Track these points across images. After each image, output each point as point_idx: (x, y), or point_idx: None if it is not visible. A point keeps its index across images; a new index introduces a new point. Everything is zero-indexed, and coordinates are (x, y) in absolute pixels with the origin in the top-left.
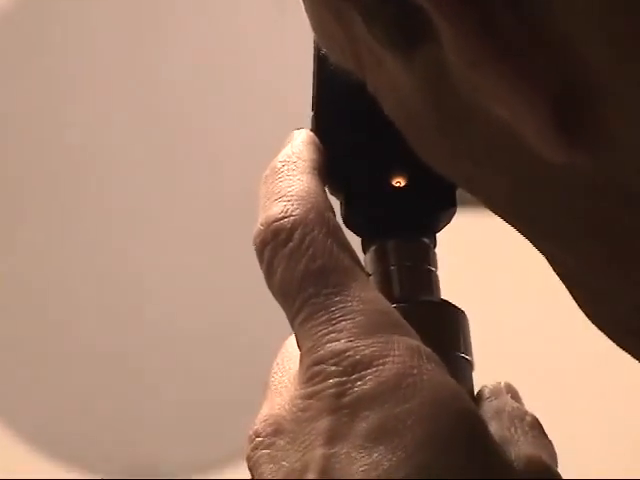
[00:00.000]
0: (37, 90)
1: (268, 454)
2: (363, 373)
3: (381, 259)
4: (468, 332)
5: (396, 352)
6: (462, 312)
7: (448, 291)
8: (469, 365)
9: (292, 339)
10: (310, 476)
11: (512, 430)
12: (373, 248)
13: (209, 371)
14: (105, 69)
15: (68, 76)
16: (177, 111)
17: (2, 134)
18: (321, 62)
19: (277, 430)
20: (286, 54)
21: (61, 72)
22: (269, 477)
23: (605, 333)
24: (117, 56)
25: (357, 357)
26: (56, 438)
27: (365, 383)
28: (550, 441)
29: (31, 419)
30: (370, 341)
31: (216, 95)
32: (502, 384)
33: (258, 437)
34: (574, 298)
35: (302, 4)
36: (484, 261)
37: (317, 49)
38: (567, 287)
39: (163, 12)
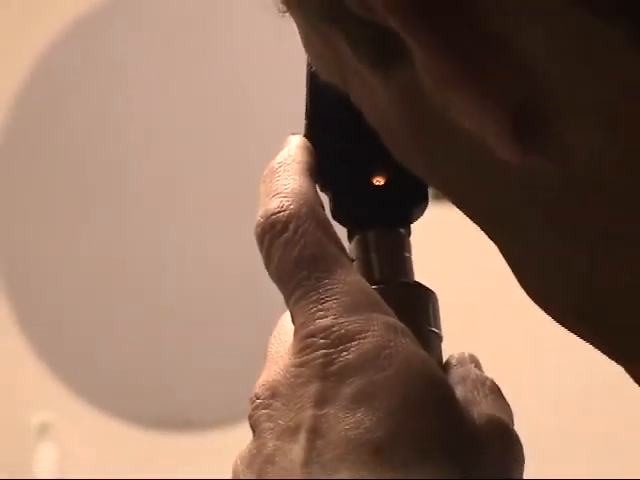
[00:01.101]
0: (102, 101)
1: (267, 414)
2: (347, 345)
3: (363, 247)
4: (437, 309)
5: (375, 328)
6: (432, 292)
7: (421, 274)
8: (438, 338)
9: (287, 315)
10: (302, 433)
11: (475, 393)
12: (357, 238)
13: (237, 333)
14: (151, 84)
15: (124, 88)
16: (209, 126)
17: (71, 148)
18: (312, 78)
19: (274, 393)
20: (283, 71)
21: (118, 85)
22: (268, 433)
23: (555, 318)
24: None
25: (342, 331)
26: (107, 394)
27: (349, 354)
28: (507, 403)
29: (87, 376)
30: (353, 318)
31: (230, 105)
32: (466, 354)
33: (258, 399)
34: (523, 286)
35: (296, 30)
36: (452, 248)
37: (309, 67)
38: (516, 276)
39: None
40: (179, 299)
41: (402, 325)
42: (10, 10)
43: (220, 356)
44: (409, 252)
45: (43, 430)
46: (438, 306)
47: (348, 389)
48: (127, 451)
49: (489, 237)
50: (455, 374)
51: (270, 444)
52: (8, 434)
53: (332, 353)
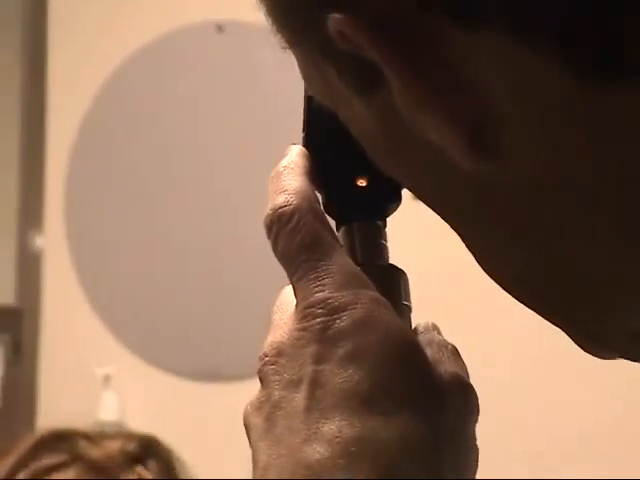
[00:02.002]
0: (158, 118)
1: (274, 369)
2: (341, 314)
3: (349, 236)
4: (408, 286)
5: (363, 301)
6: (404, 273)
7: (395, 258)
8: (409, 309)
9: (287, 289)
10: (304, 385)
11: (439, 354)
12: (343, 228)
13: (260, 302)
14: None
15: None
16: (236, 139)
17: (130, 153)
18: (309, 100)
19: (280, 352)
20: (285, 95)
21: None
22: (275, 384)
23: (505, 290)
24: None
25: (336, 303)
26: (156, 351)
27: (342, 321)
28: (464, 363)
29: (141, 336)
30: (345, 292)
31: (252, 126)
32: (430, 323)
33: (266, 357)
34: (480, 266)
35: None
36: (420, 237)
37: (306, 91)
38: (475, 258)
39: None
40: (216, 272)
41: (383, 299)
42: (85, 37)
43: (246, 320)
44: (385, 240)
45: (106, 381)
46: (408, 284)
47: (341, 350)
48: (171, 397)
49: (451, 227)
50: (423, 339)
51: (277, 393)
52: (78, 385)
53: (328, 321)
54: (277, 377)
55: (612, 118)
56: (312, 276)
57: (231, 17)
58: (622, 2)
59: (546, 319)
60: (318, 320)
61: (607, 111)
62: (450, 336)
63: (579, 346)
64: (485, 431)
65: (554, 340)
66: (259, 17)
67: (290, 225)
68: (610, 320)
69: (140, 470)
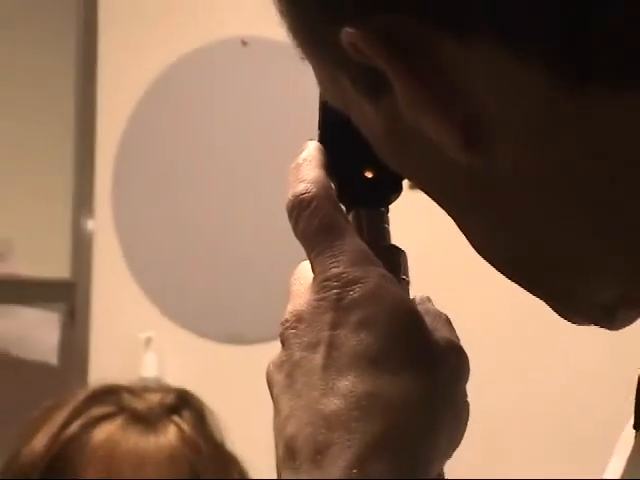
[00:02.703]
0: (194, 117)
1: (294, 333)
2: (353, 287)
3: (357, 220)
4: (407, 263)
5: (372, 275)
6: (404, 251)
7: (396, 239)
8: (407, 283)
9: (303, 264)
10: (322, 347)
11: (435, 322)
12: (352, 213)
13: (282, 273)
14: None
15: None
16: (263, 135)
17: (171, 147)
18: (323, 104)
19: (299, 319)
20: (305, 99)
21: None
22: (295, 347)
23: (494, 267)
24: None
25: (350, 277)
26: (190, 317)
27: (355, 293)
28: (455, 330)
29: (177, 304)
30: (357, 268)
31: (268, 122)
32: (424, 296)
33: (287, 323)
34: (472, 246)
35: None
36: (419, 221)
37: (321, 96)
38: (467, 238)
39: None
40: (242, 250)
41: (389, 274)
42: (129, 50)
43: (267, 292)
44: (388, 224)
45: (147, 343)
46: (407, 261)
47: (354, 317)
48: (202, 357)
49: (446, 212)
50: (420, 309)
51: (297, 354)
52: (123, 347)
53: (342, 292)
54: (297, 340)
55: (586, 119)
56: (328, 254)
57: (254, 33)
58: (589, 22)
59: (528, 291)
60: (334, 291)
61: (582, 113)
62: (441, 308)
63: (563, 317)
64: (474, 389)
65: (533, 309)
66: (278, 33)
67: (309, 210)
68: (583, 292)
69: (176, 419)
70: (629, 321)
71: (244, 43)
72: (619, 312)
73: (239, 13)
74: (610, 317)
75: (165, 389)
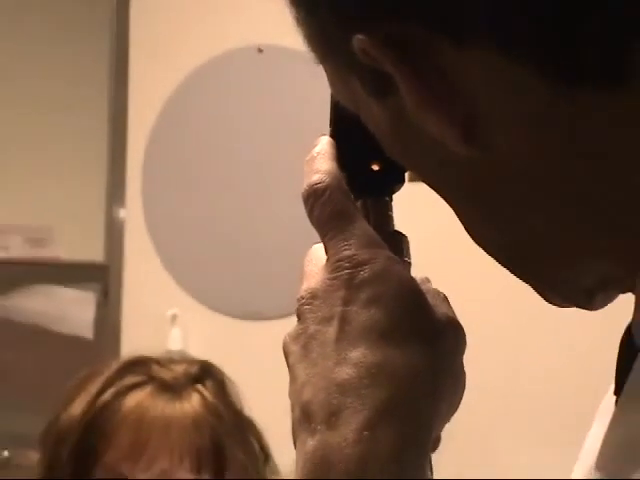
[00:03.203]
0: (217, 119)
1: (309, 308)
2: (363, 267)
3: (364, 208)
4: (409, 247)
5: (380, 257)
6: (406, 236)
7: (400, 226)
8: (409, 265)
9: (315, 247)
10: (335, 321)
11: (435, 300)
12: (360, 202)
13: (300, 255)
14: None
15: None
16: (280, 136)
17: (197, 146)
18: (335, 103)
19: (314, 296)
20: (314, 101)
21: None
22: (310, 321)
23: (488, 254)
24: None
25: (360, 259)
26: (211, 295)
27: (365, 273)
28: (452, 308)
29: (200, 284)
30: (366, 251)
31: (283, 123)
32: (424, 276)
33: (303, 299)
34: (468, 233)
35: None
36: (420, 210)
37: (332, 96)
38: (464, 227)
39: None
40: (260, 236)
41: (395, 257)
42: (157, 55)
43: (283, 272)
44: (391, 211)
45: (173, 320)
46: (409, 245)
47: (364, 295)
48: (223, 332)
49: (446, 202)
50: (422, 288)
51: (312, 327)
52: (151, 323)
53: (353, 272)
54: (312, 315)
55: (574, 119)
56: (340, 237)
57: (269, 41)
58: (574, 33)
59: (517, 277)
60: (346, 271)
61: (571, 113)
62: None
63: (543, 298)
64: (470, 361)
65: (524, 292)
66: (290, 41)
67: (323, 198)
68: (568, 277)
69: (199, 388)
70: (606, 302)
71: (260, 50)
72: (598, 295)
73: (255, 23)
74: (590, 299)
75: (189, 361)
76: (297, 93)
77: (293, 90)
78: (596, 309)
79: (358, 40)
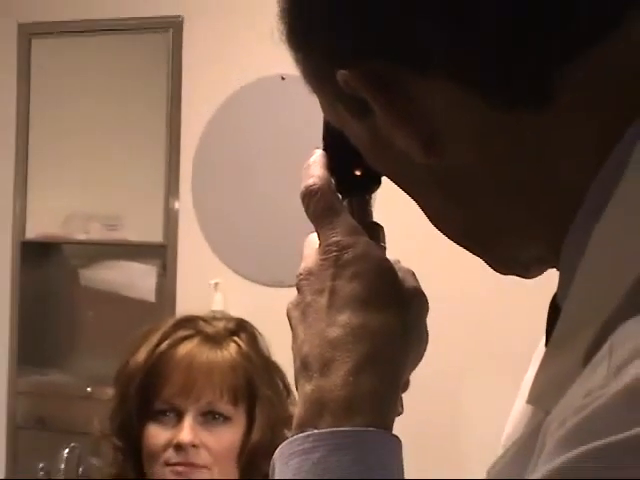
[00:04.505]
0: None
1: (306, 283)
2: (347, 250)
3: (350, 205)
4: (384, 235)
5: (360, 242)
6: (382, 226)
7: (378, 218)
8: (385, 249)
9: (311, 235)
10: (326, 292)
11: (405, 276)
12: (346, 200)
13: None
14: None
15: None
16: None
17: (238, 154)
18: (326, 123)
19: (309, 273)
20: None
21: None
22: (307, 292)
23: (450, 239)
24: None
25: (344, 244)
26: (245, 267)
27: (349, 255)
28: (418, 281)
29: (236, 258)
30: (349, 237)
31: (301, 141)
32: (396, 258)
33: (301, 275)
34: (430, 219)
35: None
36: (393, 205)
37: (324, 117)
38: (428, 218)
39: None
40: (282, 220)
41: (373, 242)
42: (201, 81)
43: (299, 249)
44: (371, 207)
45: (216, 286)
46: (385, 234)
47: (348, 272)
48: (254, 296)
49: (412, 199)
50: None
51: (308, 297)
52: (199, 289)
53: (339, 254)
54: (308, 288)
55: (511, 131)
56: (329, 227)
57: (290, 71)
58: (510, 65)
59: (473, 253)
60: (333, 254)
61: (507, 127)
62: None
63: (492, 268)
64: (432, 321)
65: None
66: None
67: (316, 197)
68: (511, 253)
69: (236, 339)
70: (539, 273)
71: (283, 78)
72: (533, 268)
73: (278, 56)
74: (527, 271)
75: (228, 318)
76: (311, 114)
77: (309, 111)
78: (531, 278)
79: (341, 75)
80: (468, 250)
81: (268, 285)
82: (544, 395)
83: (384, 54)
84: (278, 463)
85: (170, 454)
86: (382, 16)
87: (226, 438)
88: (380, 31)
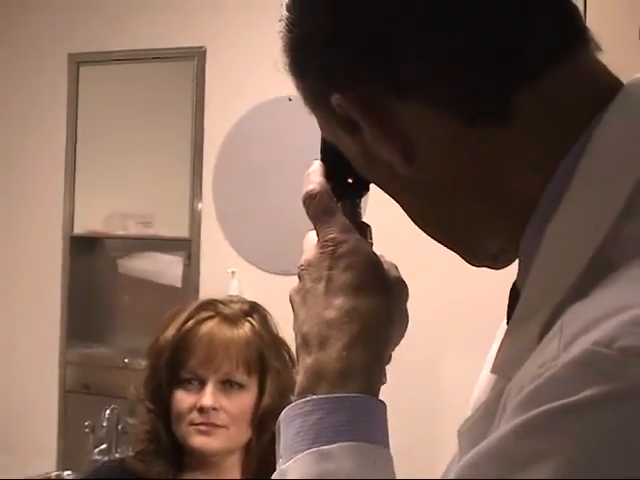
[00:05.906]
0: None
1: (306, 272)
2: (342, 245)
3: (343, 207)
4: (372, 233)
5: (352, 239)
6: (369, 225)
7: (367, 220)
8: (372, 245)
9: (311, 232)
10: (323, 280)
11: (389, 267)
12: (340, 203)
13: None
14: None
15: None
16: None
17: (253, 168)
18: (323, 138)
19: (309, 264)
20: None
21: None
22: (307, 280)
23: (426, 233)
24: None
25: (339, 239)
26: (258, 259)
27: (342, 249)
28: (400, 272)
29: (250, 250)
30: (343, 234)
31: (307, 155)
32: (381, 253)
33: (302, 266)
34: (411, 219)
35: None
36: (380, 208)
37: (322, 134)
38: (409, 215)
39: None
40: (289, 219)
41: (363, 238)
42: (220, 101)
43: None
44: (361, 210)
45: (233, 274)
46: (372, 232)
47: (342, 263)
48: (266, 283)
49: (396, 202)
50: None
51: (308, 284)
52: (218, 276)
53: (335, 248)
54: (308, 276)
55: (476, 146)
56: (326, 226)
57: (296, 93)
58: (477, 88)
59: (448, 248)
60: (330, 248)
61: (473, 143)
62: (393, 260)
63: (464, 260)
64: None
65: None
66: None
67: (315, 200)
68: (480, 246)
69: (250, 319)
70: (506, 264)
71: (290, 99)
72: (500, 259)
73: (286, 79)
74: (495, 262)
75: (243, 301)
76: (312, 130)
77: (310, 128)
78: (499, 269)
79: (335, 98)
80: (444, 245)
81: (277, 273)
82: (506, 366)
83: (370, 83)
84: (283, 423)
85: (194, 415)
86: (368, 53)
87: (241, 403)
88: (366, 65)
